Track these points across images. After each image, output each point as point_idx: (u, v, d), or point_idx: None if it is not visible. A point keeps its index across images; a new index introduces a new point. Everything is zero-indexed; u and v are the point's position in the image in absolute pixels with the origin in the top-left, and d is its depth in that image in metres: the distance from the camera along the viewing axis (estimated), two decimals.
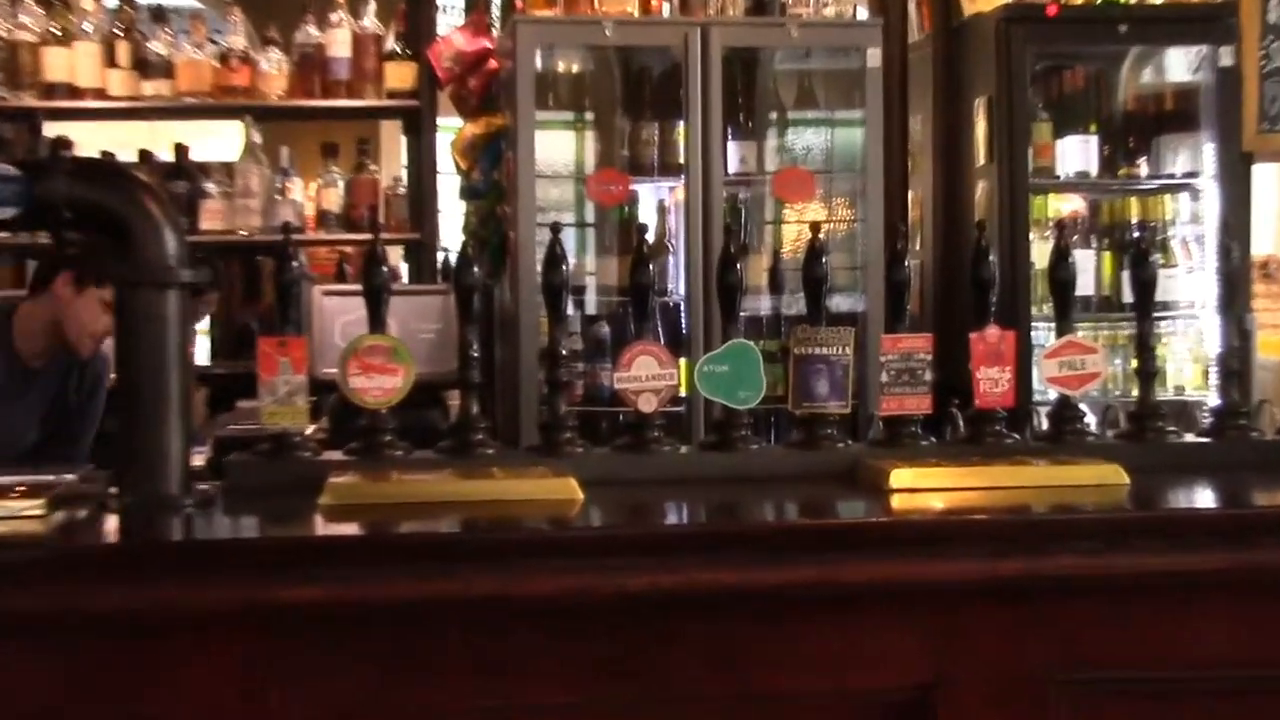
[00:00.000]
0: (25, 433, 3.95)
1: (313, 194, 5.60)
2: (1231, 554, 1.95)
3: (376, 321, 2.24)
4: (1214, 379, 2.47)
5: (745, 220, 4.75)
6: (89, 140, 5.52)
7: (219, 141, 6.19)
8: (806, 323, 2.33)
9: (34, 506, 2.00)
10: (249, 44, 5.55)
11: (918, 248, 5.22)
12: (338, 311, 3.17)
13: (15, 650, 1.81)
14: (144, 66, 5.44)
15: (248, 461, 2.24)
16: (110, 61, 5.43)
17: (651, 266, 2.32)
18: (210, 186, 5.48)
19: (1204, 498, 2.24)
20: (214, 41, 5.57)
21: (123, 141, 5.81)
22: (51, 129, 5.53)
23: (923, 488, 2.12)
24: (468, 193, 4.94)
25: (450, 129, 5.22)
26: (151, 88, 5.44)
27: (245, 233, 5.42)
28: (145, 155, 5.75)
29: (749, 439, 2.33)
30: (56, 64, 5.37)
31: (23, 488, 2.10)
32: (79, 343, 3.86)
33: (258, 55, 5.52)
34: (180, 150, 5.60)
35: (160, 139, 5.88)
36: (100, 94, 5.42)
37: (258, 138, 5.51)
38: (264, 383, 2.20)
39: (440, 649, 1.84)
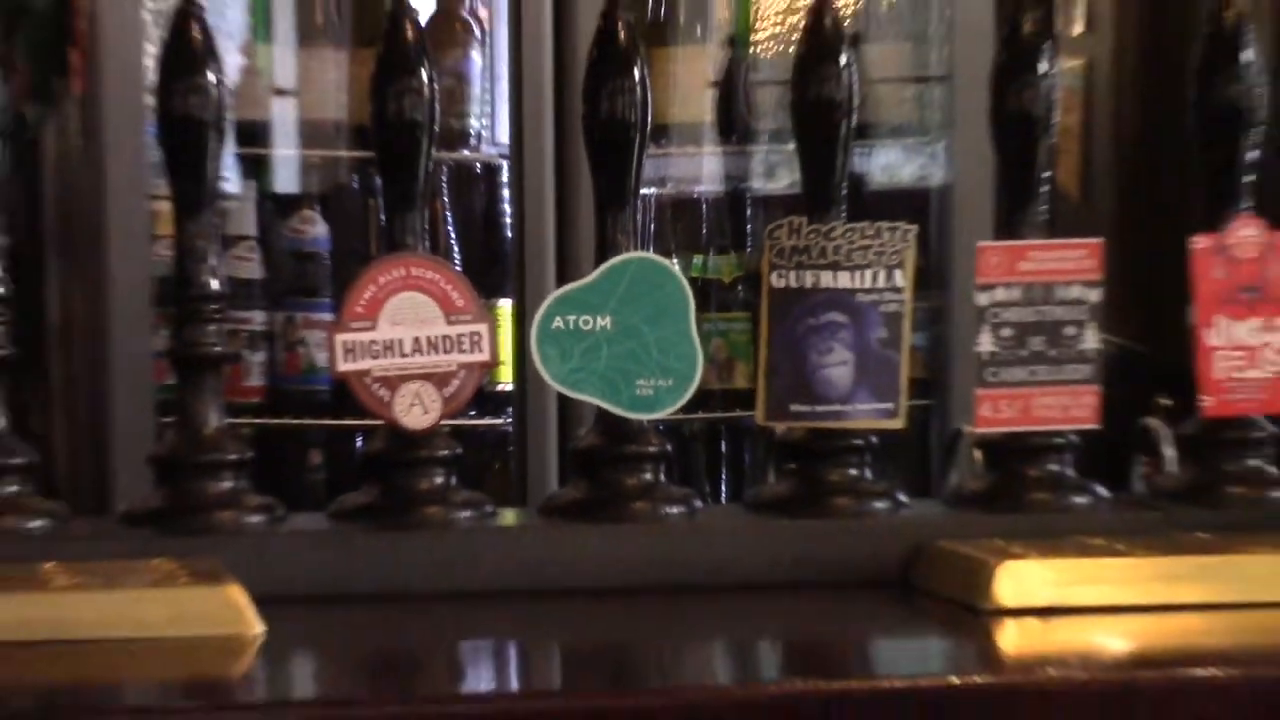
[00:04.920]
0: None
1: None
2: None
3: None
4: None
5: None
6: None
7: None
8: (804, 212, 1.41)
9: None
10: None
11: (1076, 32, 3.74)
12: None
13: None
14: None
15: None
16: None
17: (427, 77, 1.40)
18: None
19: None
20: None
21: None
22: None
23: (1072, 606, 1.41)
24: None
25: None
26: None
27: None
28: None
29: (665, 493, 1.40)
30: None
31: None
32: None
33: None
34: None
35: None
36: None
37: None
38: None
39: None
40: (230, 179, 2.89)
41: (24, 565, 1.33)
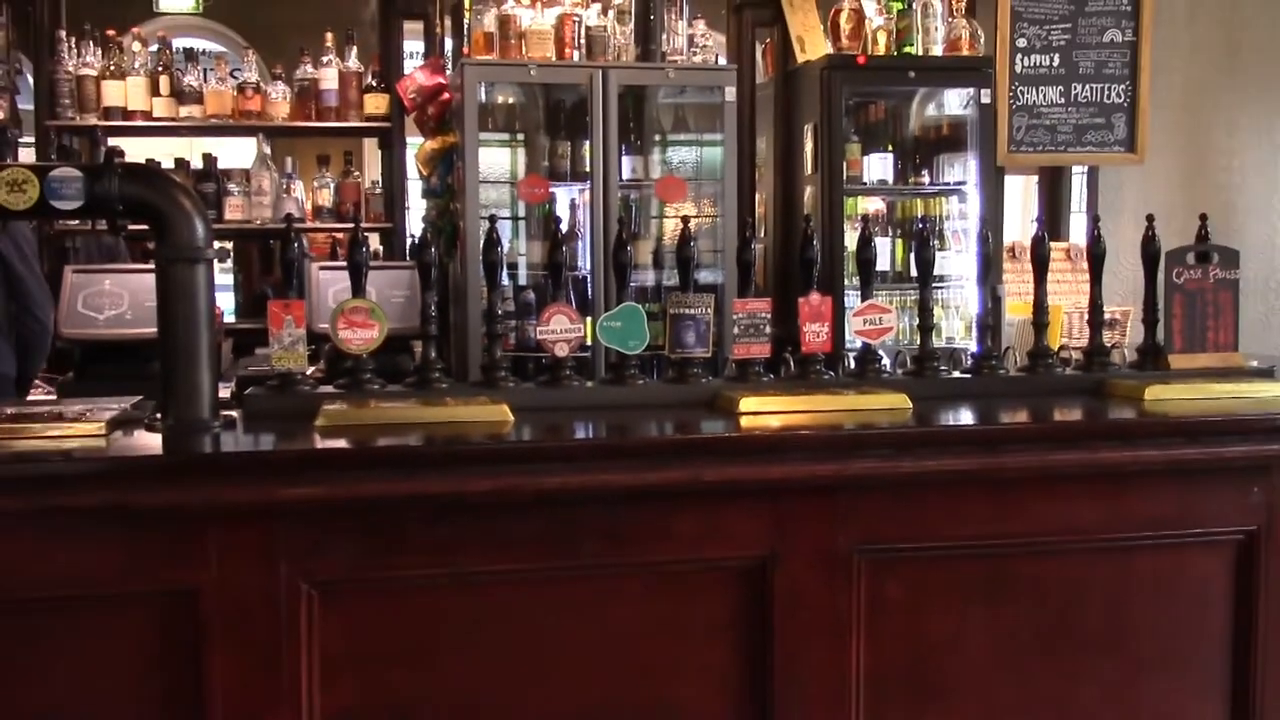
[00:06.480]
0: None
1: (310, 193, 5.34)
2: (984, 458, 1.91)
3: (358, 289, 2.09)
4: (974, 332, 2.30)
5: (635, 215, 4.52)
6: (138, 151, 5.08)
7: (238, 153, 5.68)
8: (679, 291, 2.18)
9: (96, 427, 1.88)
10: (260, 78, 5.27)
11: (762, 235, 4.92)
12: (330, 281, 2.87)
13: (84, 538, 1.70)
14: (180, 95, 5.15)
15: (261, 394, 2.08)
16: (154, 91, 5.13)
17: (564, 249, 2.18)
18: (232, 187, 5.18)
19: (966, 418, 2.13)
20: (234, 76, 5.27)
21: (164, 153, 5.62)
22: (109, 143, 5.22)
23: (764, 411, 2.02)
24: (428, 193, 4.70)
25: (415, 144, 4.92)
26: (186, 111, 5.15)
27: (260, 222, 5.17)
28: (181, 163, 5.52)
29: (636, 376, 2.19)
30: (113, 93, 5.01)
31: (87, 412, 1.97)
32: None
33: (267, 87, 5.25)
34: (208, 159, 5.32)
35: (193, 151, 5.64)
36: (146, 116, 5.13)
37: (268, 150, 5.23)
38: (273, 335, 2.05)
39: (406, 532, 1.75)
40: (505, 280, 4.21)
41: (437, 399, 1.99)
